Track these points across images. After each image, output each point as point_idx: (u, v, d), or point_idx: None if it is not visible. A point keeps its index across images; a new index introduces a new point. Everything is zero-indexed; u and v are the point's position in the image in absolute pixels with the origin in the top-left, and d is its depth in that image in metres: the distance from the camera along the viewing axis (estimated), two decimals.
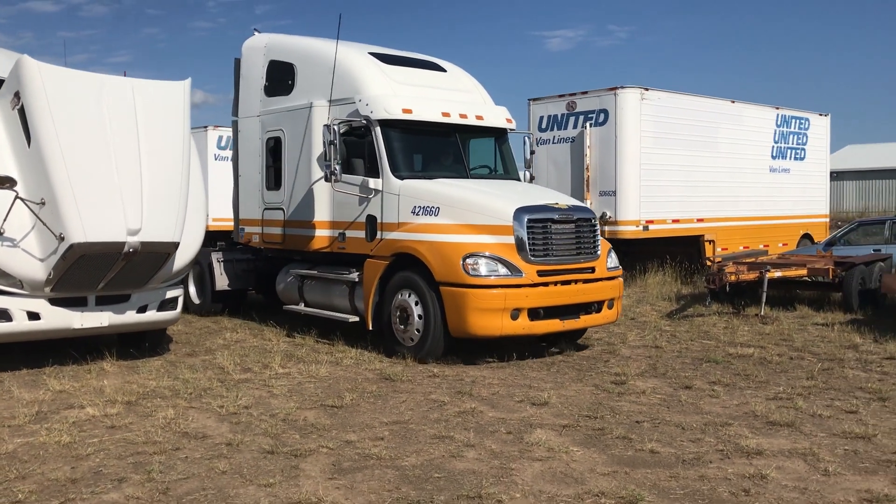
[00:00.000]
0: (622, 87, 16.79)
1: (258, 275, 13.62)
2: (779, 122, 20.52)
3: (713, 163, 18.43)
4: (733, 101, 19.36)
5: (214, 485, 5.51)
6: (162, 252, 8.97)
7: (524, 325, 9.45)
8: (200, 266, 13.66)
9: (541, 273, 9.58)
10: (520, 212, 9.62)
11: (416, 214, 10.16)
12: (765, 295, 13.22)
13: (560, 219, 9.89)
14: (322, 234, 11.45)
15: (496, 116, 11.83)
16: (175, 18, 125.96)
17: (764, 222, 19.75)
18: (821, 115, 22.07)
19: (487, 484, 5.46)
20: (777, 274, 13.66)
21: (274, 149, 12.42)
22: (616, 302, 10.52)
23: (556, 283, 9.74)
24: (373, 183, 10.62)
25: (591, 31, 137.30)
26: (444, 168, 11.27)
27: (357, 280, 10.79)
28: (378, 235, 10.54)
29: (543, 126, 18.21)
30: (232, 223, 14.03)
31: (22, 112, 8.56)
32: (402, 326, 9.97)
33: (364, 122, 10.67)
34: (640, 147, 16.81)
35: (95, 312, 9.19)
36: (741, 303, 14.11)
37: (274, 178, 12.44)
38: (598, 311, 10.23)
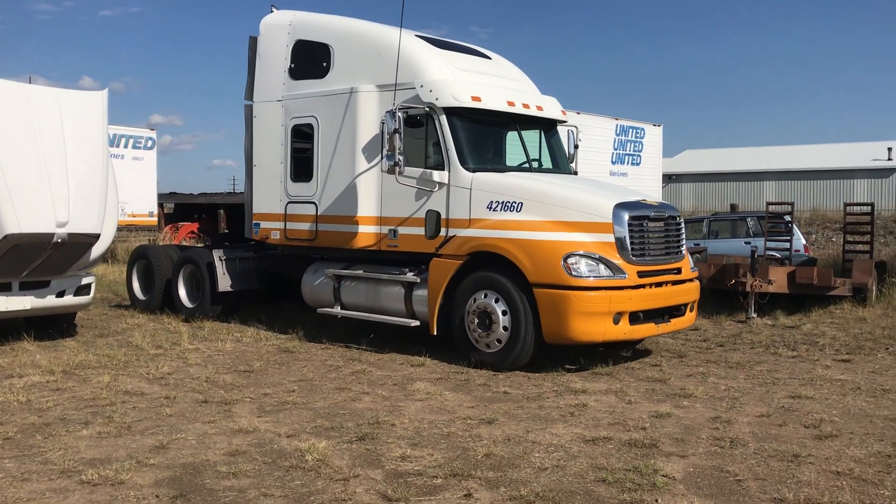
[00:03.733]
0: None
1: (260, 275, 12.60)
2: (618, 132, 23.11)
3: None
4: (578, 113, 21.71)
5: (166, 423, 6.96)
6: (85, 242, 10.15)
7: (625, 330, 8.90)
8: (196, 266, 12.51)
9: (641, 274, 9.06)
10: (619, 208, 9.07)
11: (493, 210, 9.45)
12: None
13: (655, 216, 9.46)
14: (367, 231, 10.45)
15: (553, 107, 11.21)
16: (15, 1, 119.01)
17: None
18: (655, 125, 24.92)
19: (382, 415, 7.20)
20: None
21: (303, 137, 11.34)
22: (695, 305, 10.17)
23: (651, 285, 9.24)
24: (437, 175, 9.81)
25: (454, 30, 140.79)
26: (504, 160, 10.64)
27: (417, 281, 10.02)
28: (443, 233, 9.76)
29: None
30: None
31: None
32: (481, 332, 9.24)
33: (425, 109, 9.86)
34: None
35: (19, 297, 10.24)
36: None
37: (302, 168, 11.34)
38: (683, 314, 9.79)
